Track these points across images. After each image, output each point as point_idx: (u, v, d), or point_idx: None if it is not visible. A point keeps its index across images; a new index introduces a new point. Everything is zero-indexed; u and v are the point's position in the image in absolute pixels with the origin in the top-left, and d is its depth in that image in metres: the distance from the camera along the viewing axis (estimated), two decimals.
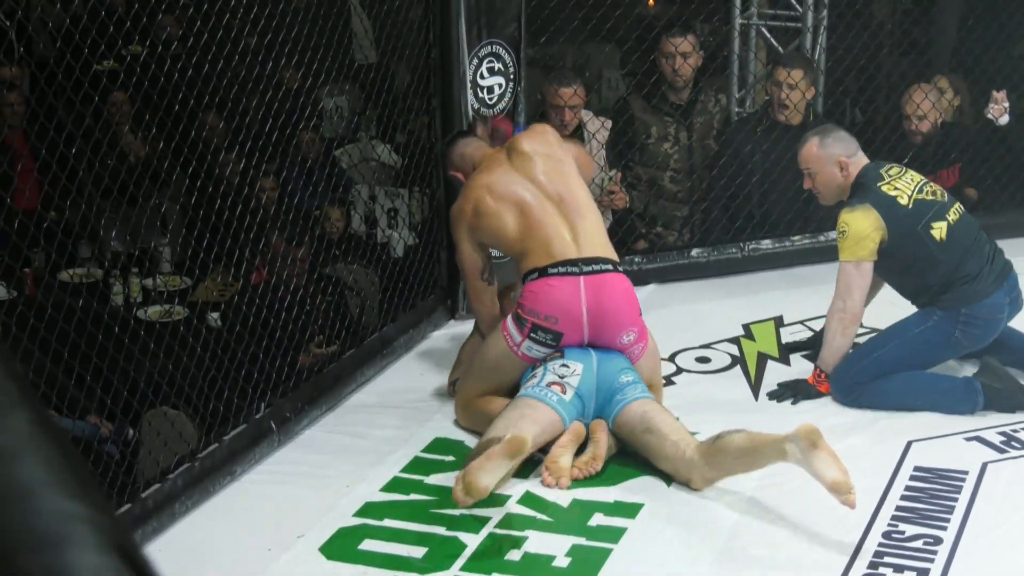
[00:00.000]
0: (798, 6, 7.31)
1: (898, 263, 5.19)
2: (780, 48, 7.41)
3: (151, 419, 5.12)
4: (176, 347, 5.19)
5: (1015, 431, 4.95)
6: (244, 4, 5.42)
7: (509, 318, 4.92)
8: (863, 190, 5.20)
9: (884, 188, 5.16)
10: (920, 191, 5.20)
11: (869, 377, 5.13)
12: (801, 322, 5.97)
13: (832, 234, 6.86)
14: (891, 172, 5.26)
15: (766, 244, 6.84)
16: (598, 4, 6.75)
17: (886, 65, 7.94)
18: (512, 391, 4.89)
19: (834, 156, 5.25)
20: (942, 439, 4.90)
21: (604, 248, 4.99)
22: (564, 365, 4.77)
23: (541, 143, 5.18)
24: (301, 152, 6.95)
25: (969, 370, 5.34)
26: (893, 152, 7.13)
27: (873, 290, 5.34)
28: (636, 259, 6.58)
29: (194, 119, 6.27)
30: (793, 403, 5.25)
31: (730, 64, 7.43)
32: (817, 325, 5.95)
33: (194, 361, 5.15)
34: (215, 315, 5.88)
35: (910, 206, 5.15)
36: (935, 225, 5.15)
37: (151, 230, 6.71)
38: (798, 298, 5.94)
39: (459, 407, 5.13)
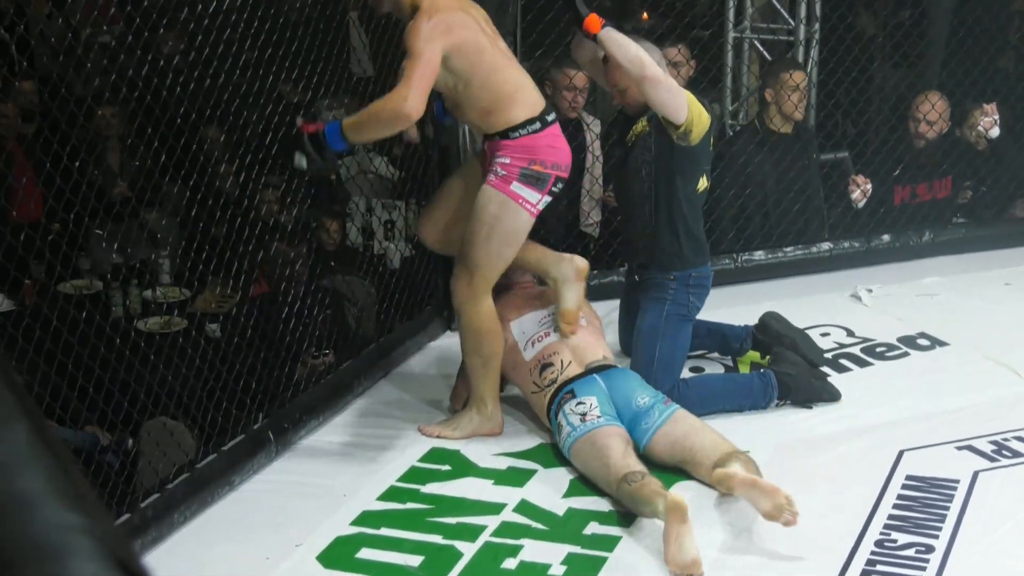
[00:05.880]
0: (791, 19, 7.34)
1: (667, 182, 5.21)
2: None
3: (150, 429, 5.13)
4: (175, 358, 5.19)
5: (1006, 440, 4.96)
6: (244, 19, 5.43)
7: (514, 182, 4.68)
8: (704, 103, 5.26)
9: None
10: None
11: (666, 387, 5.05)
12: None
13: (825, 245, 6.93)
14: None
15: (759, 255, 6.85)
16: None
17: (877, 78, 7.96)
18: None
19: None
20: (934, 448, 4.91)
21: None
22: (580, 403, 4.76)
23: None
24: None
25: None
26: (884, 164, 7.17)
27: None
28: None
29: (194, 132, 6.29)
30: None
31: (723, 77, 7.45)
32: (811, 335, 5.96)
33: (193, 372, 5.16)
34: (214, 326, 5.89)
35: (711, 148, 5.32)
36: (703, 178, 5.31)
37: (147, 242, 6.73)
38: (791, 308, 5.94)
39: (469, 299, 4.86)
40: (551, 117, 4.79)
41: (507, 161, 4.69)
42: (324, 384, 5.36)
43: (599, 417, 4.68)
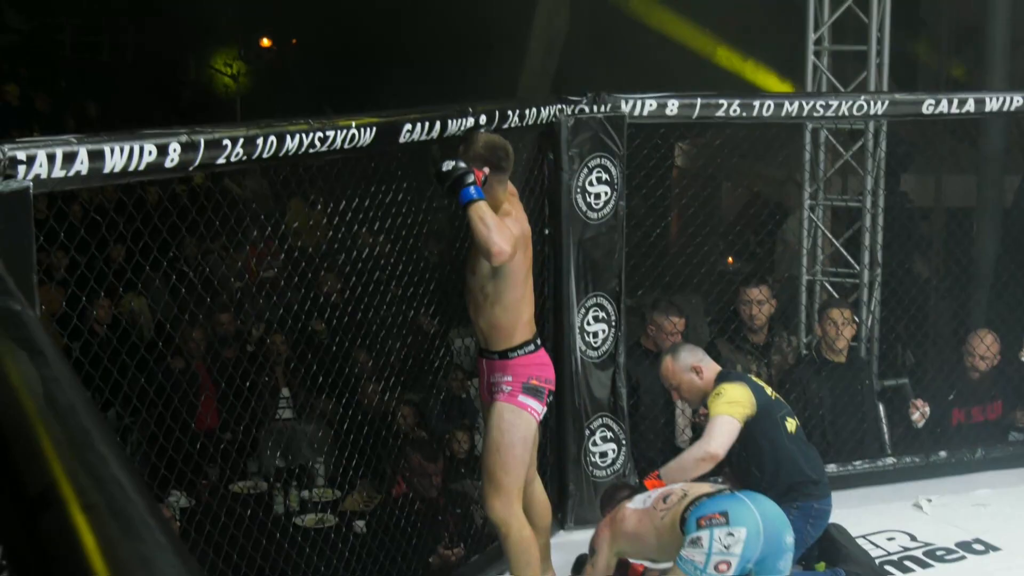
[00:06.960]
0: (855, 264, 7.60)
1: (756, 445, 5.27)
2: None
3: None
4: (327, 550, 5.42)
5: None
6: (391, 262, 5.77)
7: (520, 395, 4.81)
8: (733, 375, 5.45)
9: (752, 378, 5.41)
10: (776, 392, 5.48)
11: None
12: (864, 536, 6.06)
13: (889, 460, 7.02)
14: (751, 377, 5.52)
15: (831, 468, 6.93)
16: (686, 263, 7.08)
17: (932, 314, 8.14)
18: None
19: (688, 364, 5.41)
20: None
21: None
22: (730, 534, 4.65)
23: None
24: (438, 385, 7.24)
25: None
26: (940, 390, 7.29)
27: None
28: (719, 479, 6.70)
29: (346, 356, 6.62)
30: None
31: (798, 313, 7.68)
32: (877, 539, 6.06)
33: (343, 563, 5.37)
34: (360, 523, 6.10)
35: (773, 397, 5.40)
36: (788, 420, 5.37)
37: (306, 449, 7.01)
38: (860, 515, 6.05)
39: (508, 510, 4.87)
40: (539, 340, 4.99)
41: (509, 379, 4.85)
42: (455, 574, 5.52)
43: (724, 569, 4.59)
